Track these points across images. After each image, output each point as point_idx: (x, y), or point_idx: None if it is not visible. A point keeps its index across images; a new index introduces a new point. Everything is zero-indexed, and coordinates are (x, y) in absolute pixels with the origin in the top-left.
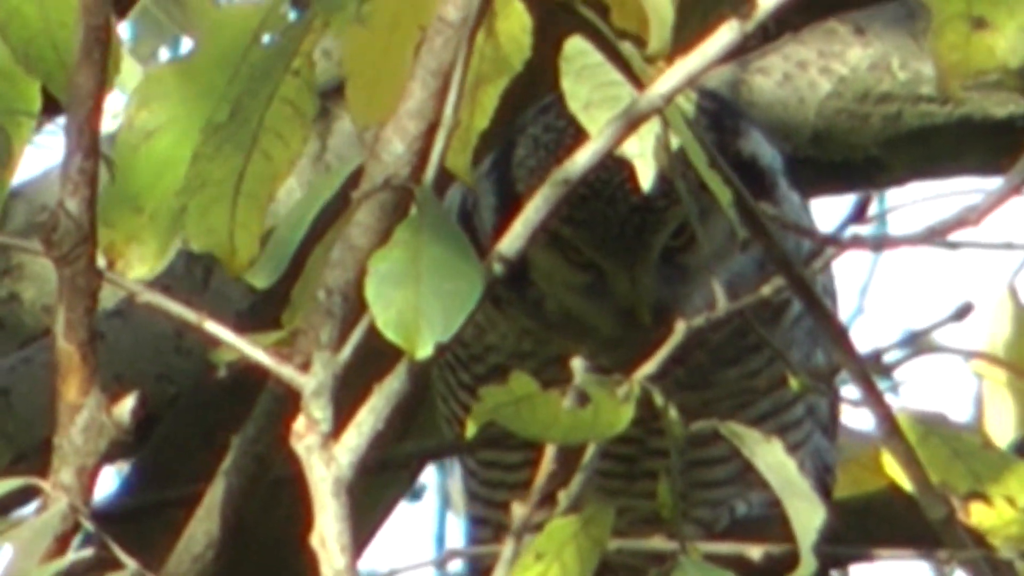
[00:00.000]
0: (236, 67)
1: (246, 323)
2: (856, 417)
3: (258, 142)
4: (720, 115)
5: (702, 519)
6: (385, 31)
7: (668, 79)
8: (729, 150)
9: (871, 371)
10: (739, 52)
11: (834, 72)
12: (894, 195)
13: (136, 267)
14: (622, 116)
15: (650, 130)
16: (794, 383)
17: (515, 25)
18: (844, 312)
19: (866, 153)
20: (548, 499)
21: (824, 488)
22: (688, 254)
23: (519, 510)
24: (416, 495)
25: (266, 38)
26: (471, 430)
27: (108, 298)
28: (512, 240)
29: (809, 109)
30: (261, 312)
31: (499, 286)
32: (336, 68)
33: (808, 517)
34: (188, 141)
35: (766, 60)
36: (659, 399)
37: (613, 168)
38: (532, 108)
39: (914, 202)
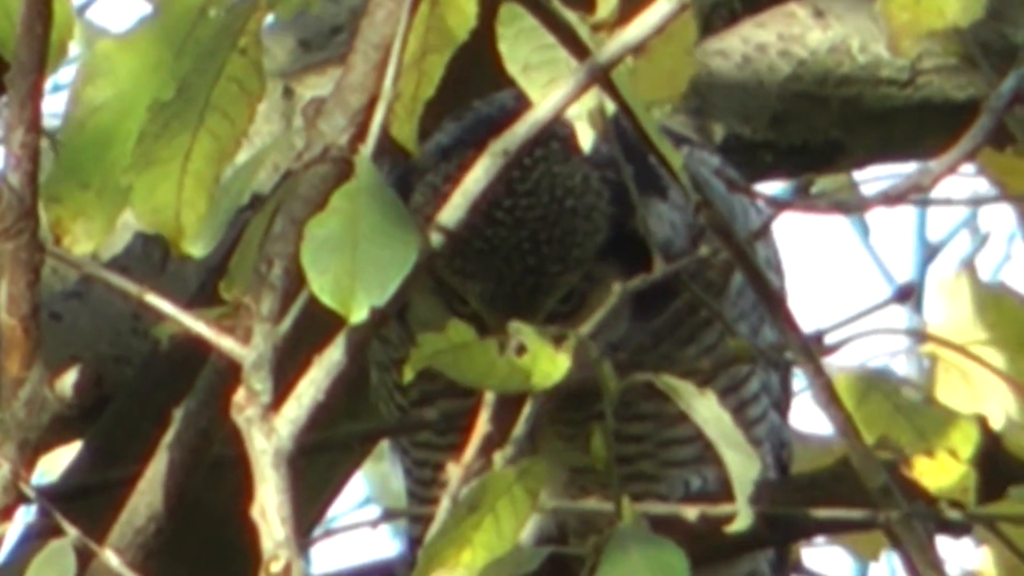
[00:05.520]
0: (182, 43)
1: (198, 303)
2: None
3: (204, 121)
4: (622, 189)
5: (660, 493)
6: None
7: (607, 49)
8: (627, 225)
9: (810, 343)
10: (699, 33)
11: (794, 55)
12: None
13: (83, 242)
14: (560, 87)
15: (589, 94)
16: (735, 345)
17: None
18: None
19: (826, 136)
20: (485, 462)
21: (780, 464)
22: (571, 321)
23: (454, 471)
24: None
25: (212, 12)
26: (408, 375)
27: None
28: (452, 211)
29: (769, 92)
30: (211, 290)
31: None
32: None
33: (744, 469)
34: (134, 116)
35: (725, 43)
36: (593, 352)
37: (513, 226)
38: (430, 149)
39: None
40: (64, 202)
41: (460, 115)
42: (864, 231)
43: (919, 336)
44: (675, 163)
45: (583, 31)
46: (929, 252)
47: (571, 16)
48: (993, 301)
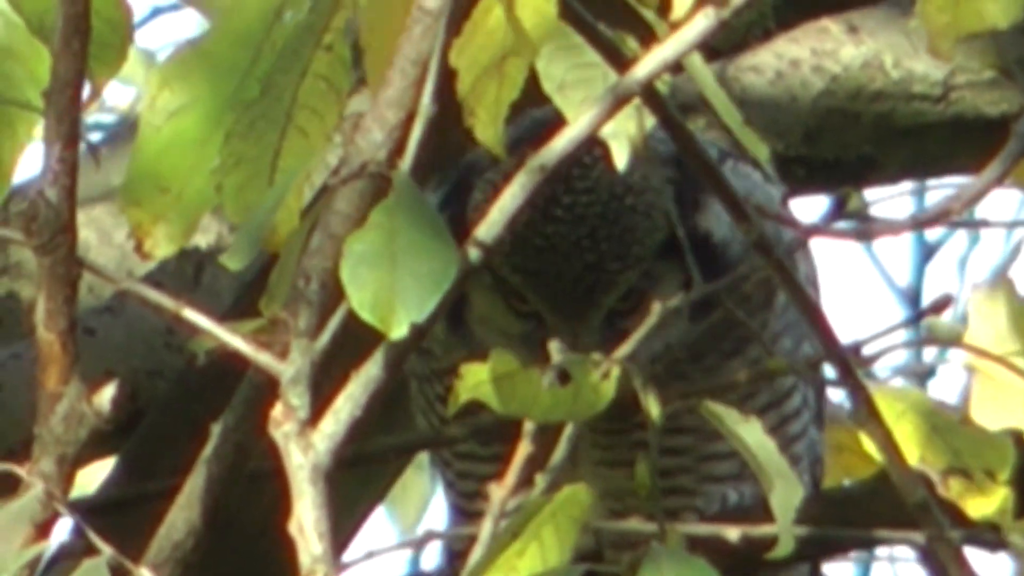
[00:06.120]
0: (259, 45)
1: (233, 318)
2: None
3: (293, 118)
4: (682, 187)
5: (696, 506)
6: (401, 4)
7: (644, 65)
8: (687, 224)
9: (849, 356)
10: (734, 50)
11: (827, 70)
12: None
13: (164, 246)
14: (597, 103)
15: (625, 112)
16: (772, 364)
17: None
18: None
19: (858, 151)
20: (527, 483)
21: (813, 478)
22: (631, 319)
23: (497, 493)
24: None
25: (288, 15)
26: (452, 408)
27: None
28: (489, 227)
29: (802, 107)
30: (245, 304)
31: (443, 333)
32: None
33: (787, 496)
34: (212, 120)
35: (758, 58)
36: (638, 381)
37: (572, 223)
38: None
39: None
40: (144, 206)
41: (514, 120)
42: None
43: (956, 345)
44: (762, 154)
45: (660, 29)
46: (926, 251)
47: (648, 14)
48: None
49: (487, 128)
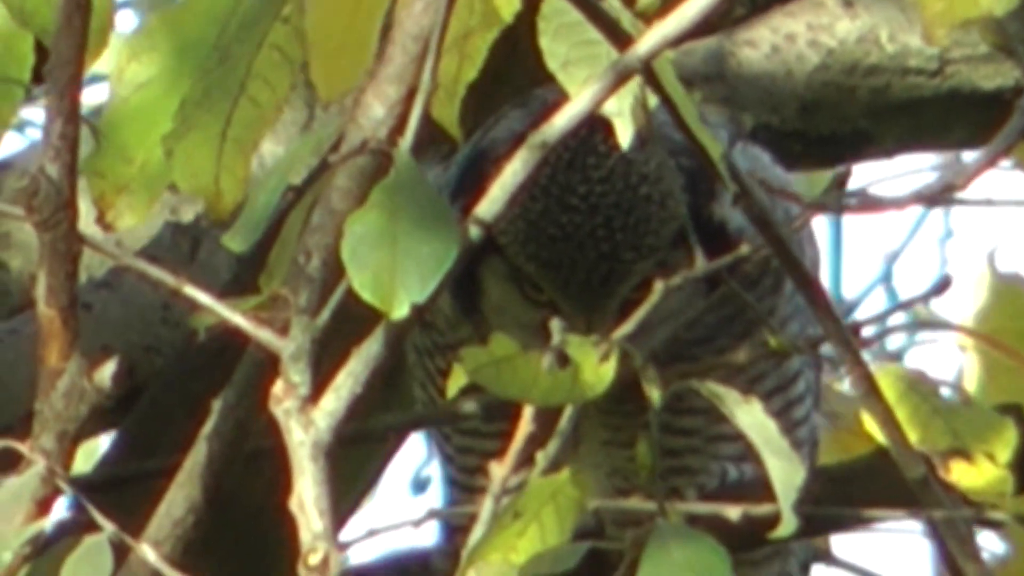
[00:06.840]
0: (227, 18)
1: (231, 294)
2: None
3: (245, 88)
4: (696, 176)
5: (698, 483)
6: (350, 1)
7: (646, 41)
8: (702, 213)
9: (849, 333)
10: (727, 24)
11: (822, 45)
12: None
13: (126, 217)
14: (599, 80)
15: (629, 89)
16: (773, 342)
17: None
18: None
19: (854, 125)
20: (529, 461)
21: (812, 463)
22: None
23: (497, 471)
24: (421, 487)
25: None
26: (451, 391)
27: (98, 268)
28: (490, 204)
29: (797, 81)
30: (244, 280)
31: (451, 310)
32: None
33: (788, 476)
34: (178, 92)
35: (754, 32)
36: (638, 360)
37: (587, 212)
38: (501, 136)
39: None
40: (107, 177)
41: (523, 102)
42: None
43: (956, 328)
44: (715, 152)
45: (625, 19)
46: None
47: (615, 4)
48: (1010, 293)
49: (443, 107)
